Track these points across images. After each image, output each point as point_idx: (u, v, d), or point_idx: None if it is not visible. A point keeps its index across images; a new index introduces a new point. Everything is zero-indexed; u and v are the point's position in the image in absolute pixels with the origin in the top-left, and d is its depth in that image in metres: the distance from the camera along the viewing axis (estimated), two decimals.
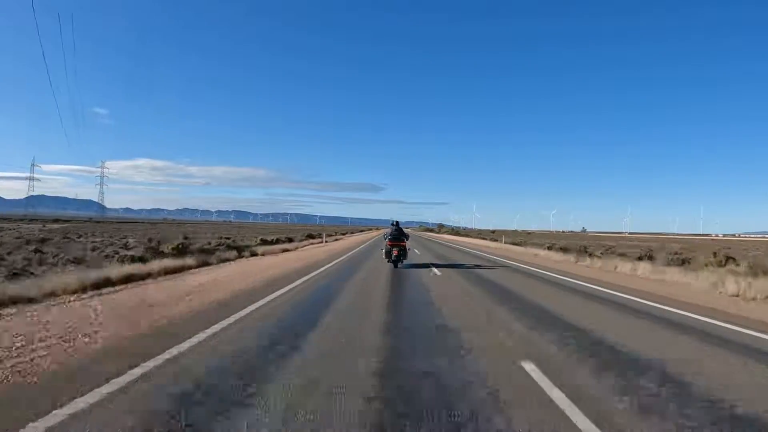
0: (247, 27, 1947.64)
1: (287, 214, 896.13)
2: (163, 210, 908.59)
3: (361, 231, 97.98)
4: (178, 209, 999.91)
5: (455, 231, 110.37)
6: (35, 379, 3.68)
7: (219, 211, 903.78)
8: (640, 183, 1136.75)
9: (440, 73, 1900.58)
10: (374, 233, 74.11)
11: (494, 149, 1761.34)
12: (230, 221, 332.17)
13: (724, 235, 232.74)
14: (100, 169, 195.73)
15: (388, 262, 14.37)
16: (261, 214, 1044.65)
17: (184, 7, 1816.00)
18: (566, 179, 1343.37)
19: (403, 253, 14.19)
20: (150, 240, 19.64)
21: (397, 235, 14.59)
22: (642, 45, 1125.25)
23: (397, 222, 15.32)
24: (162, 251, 13.88)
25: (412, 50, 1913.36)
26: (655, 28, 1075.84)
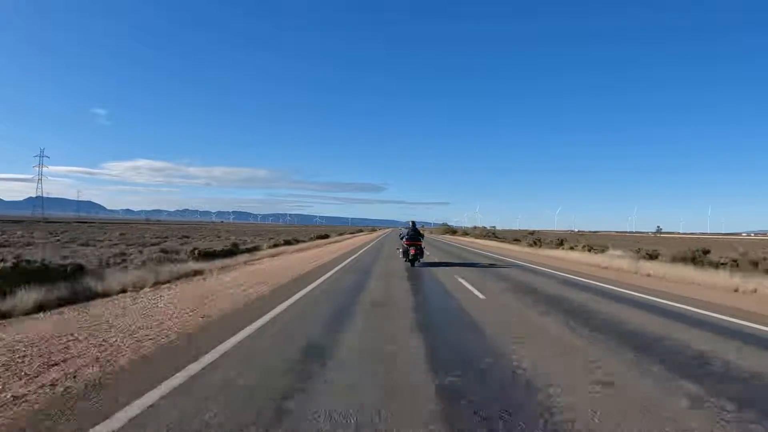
0: (247, 29, 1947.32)
1: (287, 214, 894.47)
2: (163, 211, 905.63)
3: (339, 235, 60.48)
4: (178, 210, 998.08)
5: (492, 233, 63.05)
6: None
7: (219, 212, 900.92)
8: (643, 182, 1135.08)
9: (440, 74, 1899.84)
10: (363, 237, 47.23)
11: (495, 150, 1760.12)
12: (221, 221, 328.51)
13: (755, 234, 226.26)
14: (39, 163, 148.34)
15: (405, 261, 14.99)
16: (261, 215, 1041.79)
17: (184, 9, 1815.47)
18: (567, 179, 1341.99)
19: (419, 252, 14.91)
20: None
21: (414, 234, 15.16)
22: (644, 45, 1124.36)
23: (413, 222, 15.81)
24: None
25: (413, 51, 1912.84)
26: (668, 28, 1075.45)
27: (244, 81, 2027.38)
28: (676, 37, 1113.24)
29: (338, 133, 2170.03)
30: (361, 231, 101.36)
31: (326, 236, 39.49)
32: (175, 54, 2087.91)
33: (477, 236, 59.48)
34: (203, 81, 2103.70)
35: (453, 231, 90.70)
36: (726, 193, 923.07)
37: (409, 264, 14.67)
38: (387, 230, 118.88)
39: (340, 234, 61.08)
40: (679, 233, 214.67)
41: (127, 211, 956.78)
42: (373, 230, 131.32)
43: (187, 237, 30.67)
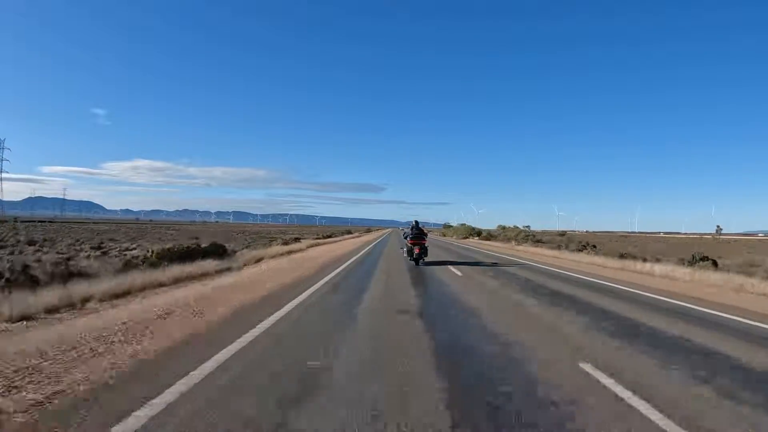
0: (246, 29, 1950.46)
1: (287, 214, 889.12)
2: (162, 211, 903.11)
3: (288, 244, 28.08)
4: (177, 210, 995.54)
5: (532, 235, 45.71)
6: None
7: (219, 212, 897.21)
8: (646, 183, 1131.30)
9: (440, 74, 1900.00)
10: (338, 247, 28.44)
11: (495, 150, 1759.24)
12: (216, 221, 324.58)
13: None
14: None
15: (410, 260, 15.08)
16: (261, 215, 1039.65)
17: (184, 10, 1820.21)
18: (567, 179, 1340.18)
19: (423, 251, 14.87)
20: None
21: (418, 234, 15.15)
22: (647, 46, 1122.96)
23: (416, 222, 15.74)
24: None
25: (412, 51, 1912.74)
26: (667, 28, 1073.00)
27: (244, 81, 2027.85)
28: (677, 37, 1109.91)
29: (338, 133, 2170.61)
30: (348, 233, 67.58)
31: (349, 232, 25.58)
32: (175, 54, 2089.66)
33: (519, 240, 38.18)
34: (203, 81, 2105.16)
35: (478, 233, 59.53)
36: (725, 193, 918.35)
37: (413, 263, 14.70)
38: (387, 230, 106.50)
39: (293, 241, 29.87)
40: (682, 234, 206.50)
41: (127, 211, 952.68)
42: (368, 231, 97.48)
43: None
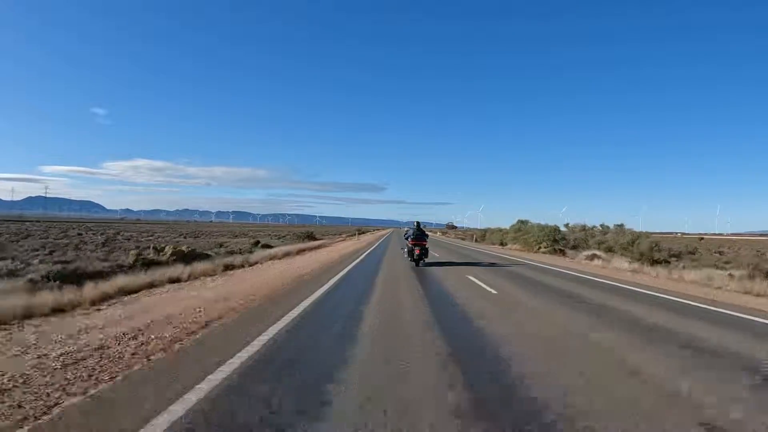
0: (247, 28, 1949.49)
1: (287, 214, 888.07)
2: (162, 211, 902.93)
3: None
4: (177, 210, 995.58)
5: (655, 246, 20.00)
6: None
7: (219, 212, 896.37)
8: (647, 183, 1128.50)
9: (440, 74, 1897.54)
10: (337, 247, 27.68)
11: (496, 150, 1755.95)
12: (211, 221, 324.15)
13: None
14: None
15: (411, 260, 15.11)
16: (261, 215, 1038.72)
17: (184, 8, 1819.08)
18: (569, 178, 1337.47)
19: (424, 251, 14.79)
20: None
21: (419, 234, 15.08)
22: (649, 46, 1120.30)
23: (418, 223, 15.76)
24: None
25: (413, 52, 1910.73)
26: (668, 28, 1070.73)
27: (244, 80, 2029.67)
28: (678, 37, 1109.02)
29: (338, 133, 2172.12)
30: (313, 238, 37.25)
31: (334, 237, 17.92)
32: (175, 53, 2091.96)
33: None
34: (203, 80, 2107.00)
35: (555, 239, 29.61)
36: (729, 193, 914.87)
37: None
38: (387, 231, 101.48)
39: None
40: (685, 234, 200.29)
41: (127, 210, 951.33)
42: (360, 232, 74.02)
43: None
